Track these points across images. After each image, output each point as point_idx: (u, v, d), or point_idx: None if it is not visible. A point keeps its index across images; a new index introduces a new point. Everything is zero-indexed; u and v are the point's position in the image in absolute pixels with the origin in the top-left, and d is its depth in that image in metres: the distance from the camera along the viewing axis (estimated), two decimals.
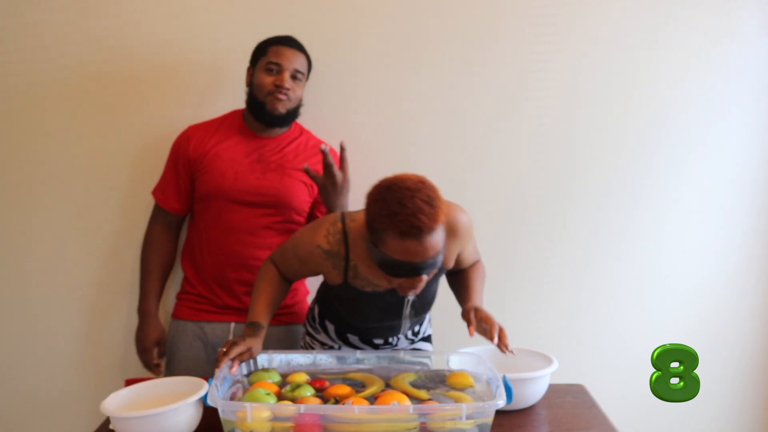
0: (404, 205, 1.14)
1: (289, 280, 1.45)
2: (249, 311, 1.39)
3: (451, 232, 1.30)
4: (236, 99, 1.73)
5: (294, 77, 1.62)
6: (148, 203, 1.85)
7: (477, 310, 1.32)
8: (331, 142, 1.72)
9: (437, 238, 1.16)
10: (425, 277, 1.21)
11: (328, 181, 1.52)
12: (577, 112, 1.90)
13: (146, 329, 1.73)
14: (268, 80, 1.60)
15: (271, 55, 1.62)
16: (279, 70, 1.60)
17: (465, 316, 1.34)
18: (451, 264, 1.39)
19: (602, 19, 1.86)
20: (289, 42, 1.65)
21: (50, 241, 1.88)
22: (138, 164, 1.85)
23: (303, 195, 1.68)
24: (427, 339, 1.58)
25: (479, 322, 1.30)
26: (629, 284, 1.97)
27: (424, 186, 1.18)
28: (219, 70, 1.83)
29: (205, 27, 1.82)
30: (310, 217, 1.73)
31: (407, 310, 1.39)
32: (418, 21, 1.84)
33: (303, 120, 1.74)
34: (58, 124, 1.84)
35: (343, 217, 1.35)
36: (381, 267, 1.21)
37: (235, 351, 1.27)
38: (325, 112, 1.74)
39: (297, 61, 1.63)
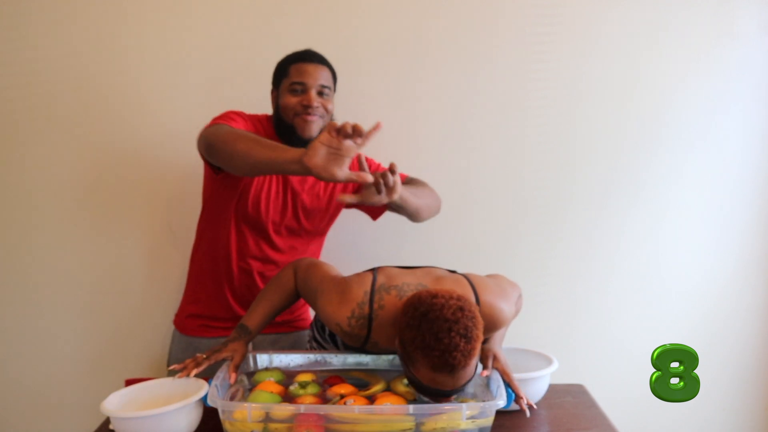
0: (440, 341, 1.06)
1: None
2: (246, 312, 1.38)
3: (490, 325, 1.24)
4: (240, 100, 1.70)
5: (321, 93, 1.51)
6: (147, 203, 1.86)
7: (496, 358, 1.28)
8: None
9: (470, 370, 1.11)
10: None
11: (375, 186, 1.28)
12: (577, 112, 1.90)
13: None
14: (294, 101, 1.50)
15: (294, 74, 1.51)
16: (304, 90, 1.50)
17: (483, 358, 1.30)
18: None
19: (602, 20, 1.86)
20: (310, 57, 1.54)
21: (50, 241, 1.88)
22: (138, 164, 1.85)
23: (337, 205, 1.65)
24: None
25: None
26: (629, 284, 1.98)
27: (462, 315, 1.09)
28: (222, 73, 1.83)
29: (206, 29, 1.82)
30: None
31: None
32: (418, 22, 1.85)
33: None
34: (59, 124, 1.84)
35: (372, 300, 1.23)
36: (408, 379, 1.17)
37: (216, 357, 1.26)
38: None
39: (322, 77, 1.52)
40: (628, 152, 1.92)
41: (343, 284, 1.29)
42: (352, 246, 1.89)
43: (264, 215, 1.56)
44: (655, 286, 1.98)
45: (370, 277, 1.28)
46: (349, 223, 1.82)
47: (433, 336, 1.07)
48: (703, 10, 1.87)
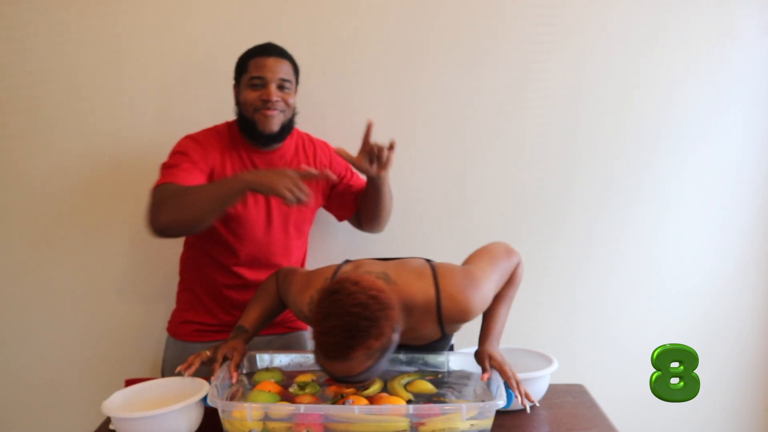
0: (326, 320, 1.06)
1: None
2: (240, 317, 1.41)
3: (455, 315, 1.23)
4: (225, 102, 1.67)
5: (281, 87, 1.50)
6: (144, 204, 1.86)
7: (491, 358, 1.29)
8: (330, 143, 1.72)
9: (352, 365, 1.07)
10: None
11: (369, 154, 1.44)
12: (576, 112, 1.90)
13: None
14: (253, 96, 1.49)
15: (252, 69, 1.50)
16: (263, 84, 1.49)
17: (480, 361, 1.31)
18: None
19: (602, 19, 1.86)
20: (269, 51, 1.52)
21: (50, 241, 1.88)
22: (137, 164, 1.85)
23: (314, 203, 1.65)
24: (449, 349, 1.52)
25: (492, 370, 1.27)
26: (629, 284, 1.97)
27: (365, 308, 1.06)
28: (219, 74, 1.82)
29: (204, 30, 1.82)
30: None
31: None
32: (418, 21, 1.84)
33: (303, 122, 1.73)
34: (54, 126, 1.84)
35: None
36: None
37: (220, 354, 1.28)
38: (325, 114, 1.73)
39: (281, 70, 1.50)
40: (628, 152, 1.92)
41: (309, 274, 1.34)
42: (350, 249, 1.89)
43: (253, 208, 1.56)
44: (655, 286, 1.98)
45: (336, 266, 1.31)
46: (347, 226, 1.82)
47: (324, 316, 1.07)
48: (703, 10, 1.86)
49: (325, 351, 1.07)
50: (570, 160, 1.92)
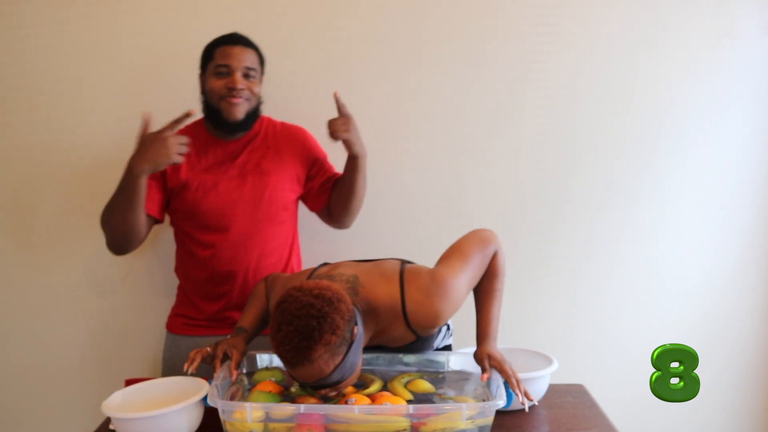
0: (279, 331, 1.07)
1: None
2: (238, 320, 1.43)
3: (421, 321, 1.23)
4: None
5: (246, 75, 1.53)
6: None
7: (491, 357, 1.28)
8: (328, 142, 1.72)
9: (320, 367, 1.07)
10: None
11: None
12: (576, 112, 1.90)
13: None
14: (219, 84, 1.51)
15: (218, 57, 1.52)
16: (229, 72, 1.51)
17: (479, 361, 1.30)
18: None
19: (602, 19, 1.86)
20: (235, 40, 1.54)
21: (50, 242, 1.88)
22: None
23: (286, 188, 1.63)
24: (446, 348, 1.52)
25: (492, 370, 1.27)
26: (629, 284, 1.98)
27: (311, 308, 1.07)
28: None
29: (200, 29, 1.81)
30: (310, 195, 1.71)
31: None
32: (418, 21, 1.85)
33: (302, 121, 1.73)
34: (56, 123, 1.84)
35: None
36: None
37: (220, 350, 1.29)
38: (324, 114, 1.72)
39: (247, 59, 1.53)
40: (628, 152, 1.92)
41: (288, 278, 1.37)
42: (349, 250, 1.89)
43: (214, 198, 1.56)
44: (655, 286, 1.98)
45: (312, 269, 1.34)
46: (341, 231, 1.81)
47: (277, 326, 1.08)
48: (703, 10, 1.87)
49: (286, 360, 1.08)
50: (570, 160, 1.92)
